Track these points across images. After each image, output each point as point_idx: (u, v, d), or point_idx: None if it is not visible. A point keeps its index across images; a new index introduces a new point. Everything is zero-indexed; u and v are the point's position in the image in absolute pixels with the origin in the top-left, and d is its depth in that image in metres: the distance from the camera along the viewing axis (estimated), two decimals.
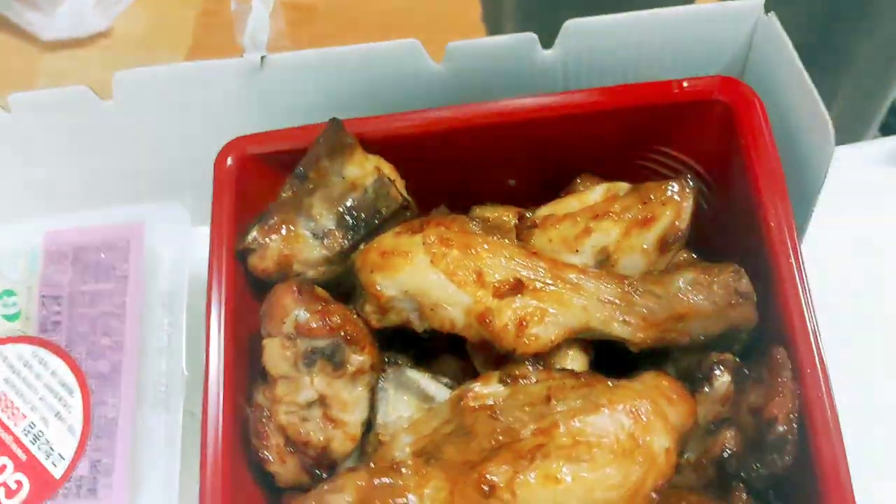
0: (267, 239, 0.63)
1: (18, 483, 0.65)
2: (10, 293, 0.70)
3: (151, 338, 0.68)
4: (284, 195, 0.64)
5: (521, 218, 0.65)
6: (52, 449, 0.65)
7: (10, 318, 0.70)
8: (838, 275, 0.74)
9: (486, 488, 0.52)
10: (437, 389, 0.62)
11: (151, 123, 0.74)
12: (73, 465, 0.64)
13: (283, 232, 0.63)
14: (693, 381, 0.59)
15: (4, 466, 0.65)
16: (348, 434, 0.60)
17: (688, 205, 0.61)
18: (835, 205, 0.67)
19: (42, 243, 0.72)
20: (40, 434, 0.66)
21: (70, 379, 0.67)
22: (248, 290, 0.65)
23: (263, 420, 0.59)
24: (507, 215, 0.70)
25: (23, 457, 0.65)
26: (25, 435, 0.66)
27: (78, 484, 0.64)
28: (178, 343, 0.67)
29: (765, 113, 0.63)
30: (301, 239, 0.63)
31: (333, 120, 0.64)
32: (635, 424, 0.52)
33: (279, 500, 0.61)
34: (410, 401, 0.61)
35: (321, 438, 0.59)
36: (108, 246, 0.71)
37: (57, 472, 0.64)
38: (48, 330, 0.69)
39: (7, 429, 0.66)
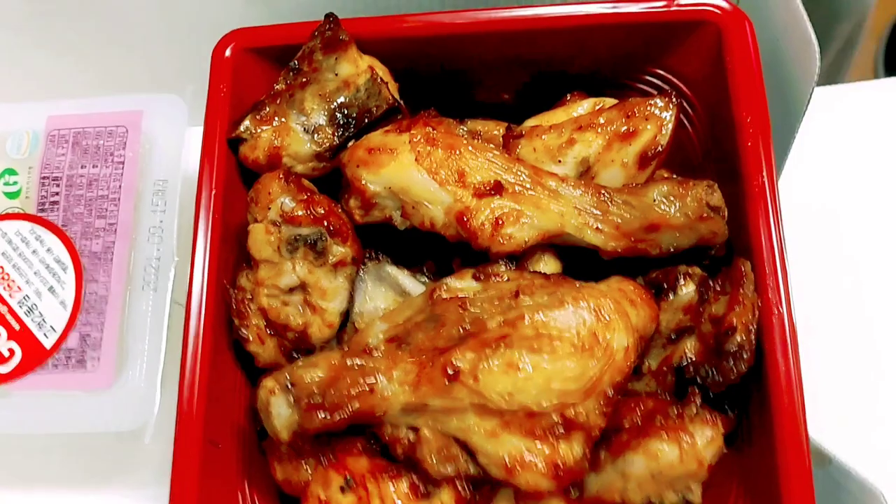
0: (259, 129, 0.64)
1: (11, 351, 0.68)
2: (11, 172, 0.72)
3: (144, 222, 0.70)
4: (278, 87, 0.65)
5: (508, 128, 0.67)
6: (44, 321, 0.68)
7: (10, 195, 0.72)
8: (811, 206, 0.75)
9: (451, 372, 0.55)
10: (414, 286, 0.64)
11: (154, 14, 0.75)
12: (63, 337, 0.67)
13: (275, 124, 0.65)
14: (659, 290, 0.61)
15: None
16: (326, 321, 0.62)
17: (669, 121, 0.62)
18: (816, 141, 0.68)
19: (44, 127, 0.73)
20: (34, 307, 0.68)
21: (65, 256, 0.69)
22: (237, 181, 0.67)
23: (245, 301, 0.62)
24: (497, 129, 0.72)
25: (16, 326, 0.68)
26: (20, 307, 0.69)
27: (67, 355, 0.67)
28: (170, 229, 0.69)
29: (754, 38, 0.64)
30: (292, 132, 0.65)
31: (330, 15, 0.64)
32: (597, 322, 0.54)
33: (257, 382, 0.64)
34: (388, 294, 0.64)
35: (300, 322, 0.62)
36: (108, 132, 0.72)
37: (48, 343, 0.67)
38: (46, 209, 0.71)
39: (2, 300, 0.69)
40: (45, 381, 0.67)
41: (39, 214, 0.71)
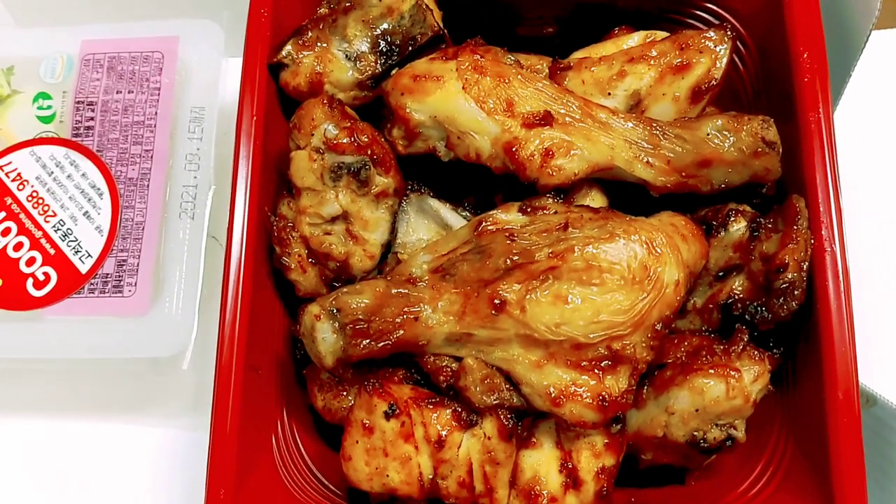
0: (301, 55, 0.63)
1: (46, 276, 0.67)
2: (45, 96, 0.71)
3: (180, 150, 0.69)
4: (321, 11, 0.64)
5: (555, 60, 0.65)
6: (80, 246, 0.68)
7: (44, 119, 0.71)
8: (867, 144, 0.74)
9: (497, 303, 0.54)
10: (456, 219, 0.63)
11: None
12: (99, 262, 0.67)
13: (317, 49, 0.63)
14: (709, 228, 0.60)
15: (34, 259, 0.68)
16: (368, 252, 0.62)
17: (724, 54, 0.60)
18: (875, 81, 0.66)
19: (79, 51, 0.72)
20: (69, 232, 0.68)
21: (100, 181, 0.68)
22: (277, 108, 0.66)
23: (287, 229, 0.61)
24: (540, 63, 0.70)
25: (51, 251, 0.68)
26: (55, 231, 0.68)
27: (104, 281, 0.67)
28: (207, 156, 0.69)
29: None
30: (334, 59, 0.63)
31: None
32: (648, 255, 0.54)
33: (296, 311, 0.64)
34: (430, 226, 0.63)
35: (342, 252, 0.61)
36: (143, 58, 0.71)
37: (83, 268, 0.67)
38: (80, 134, 0.70)
39: (37, 224, 0.68)
40: (81, 307, 0.67)
41: (74, 139, 0.70)
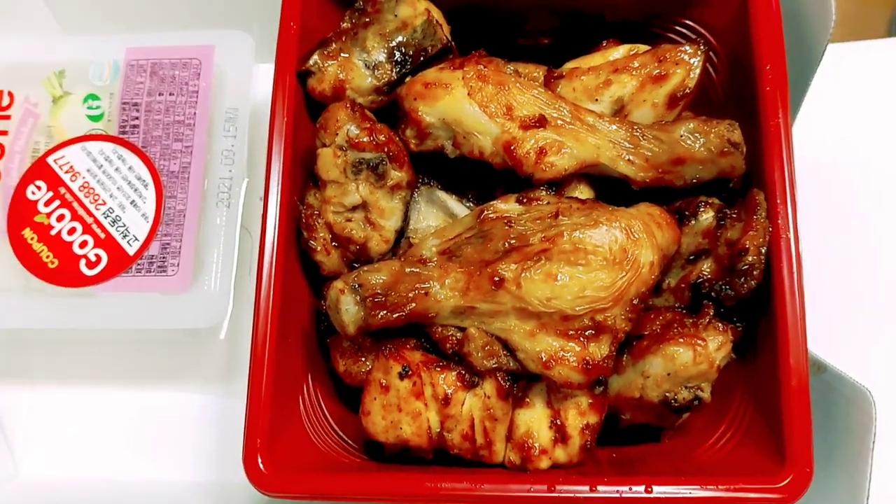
0: (326, 63, 0.72)
1: (98, 257, 0.76)
2: (94, 97, 0.80)
3: (217, 146, 0.78)
4: (344, 26, 0.72)
5: (549, 70, 0.74)
6: (128, 231, 0.76)
7: (94, 118, 0.80)
8: (821, 146, 0.82)
9: (496, 280, 0.63)
10: (461, 209, 0.72)
11: None
12: (145, 245, 0.76)
13: (340, 59, 0.72)
14: (682, 217, 0.68)
15: (86, 242, 0.76)
16: (384, 237, 0.70)
17: (697, 66, 0.69)
18: (830, 90, 0.74)
19: (124, 57, 0.81)
20: (118, 218, 0.77)
21: (145, 174, 0.77)
22: (304, 111, 0.74)
23: (314, 217, 0.70)
24: (537, 72, 0.78)
25: (102, 235, 0.76)
26: (105, 217, 0.77)
27: (150, 261, 0.76)
28: (241, 152, 0.77)
29: None
30: (355, 67, 0.72)
31: None
32: (627, 239, 0.62)
33: (321, 289, 0.72)
34: (438, 215, 0.72)
35: (361, 236, 0.70)
36: (182, 64, 0.80)
37: (131, 251, 0.76)
38: (127, 132, 0.79)
39: (89, 212, 0.77)
40: (129, 284, 0.76)
41: (121, 136, 0.79)
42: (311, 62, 0.72)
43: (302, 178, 0.72)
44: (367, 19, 0.72)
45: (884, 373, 0.77)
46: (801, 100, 0.74)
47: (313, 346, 0.73)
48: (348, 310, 0.64)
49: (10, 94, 0.81)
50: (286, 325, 0.69)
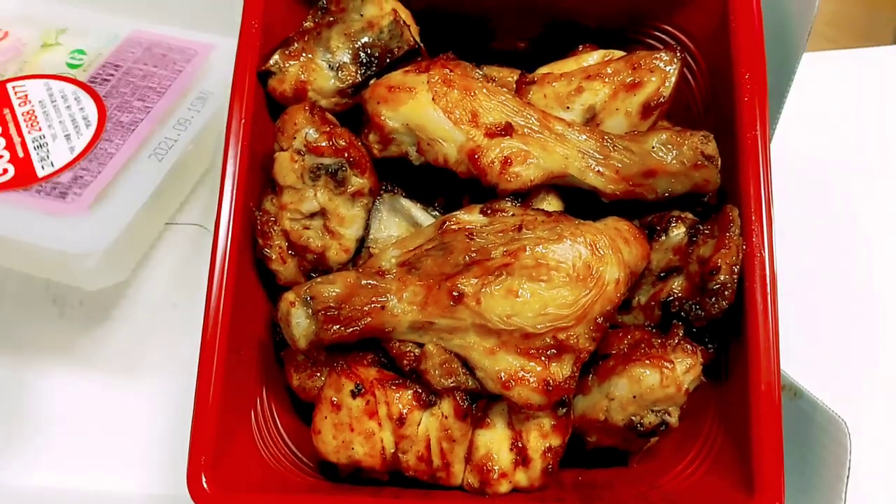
0: (287, 64, 0.69)
1: (5, 170, 0.75)
2: (81, 52, 0.81)
3: (177, 114, 0.76)
4: (307, 25, 0.70)
5: (521, 75, 0.71)
6: (48, 156, 0.75)
7: (72, 66, 0.80)
8: (800, 159, 0.79)
9: (455, 295, 0.60)
10: (425, 218, 0.69)
11: None
12: (58, 172, 0.74)
13: (303, 59, 0.69)
14: (652, 232, 0.65)
15: (2, 156, 0.75)
16: (343, 246, 0.67)
17: (673, 74, 0.66)
18: (808, 100, 0.71)
19: (128, 33, 0.82)
20: (45, 144, 0.75)
21: (93, 116, 0.76)
22: (265, 113, 0.71)
23: (270, 224, 0.67)
24: (511, 76, 0.76)
25: (21, 154, 0.75)
26: (33, 141, 0.76)
27: (54, 186, 0.74)
28: (196, 124, 0.76)
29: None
30: (318, 68, 0.69)
31: None
32: (592, 255, 0.59)
33: (277, 298, 0.70)
34: (401, 224, 0.69)
35: (319, 245, 0.67)
36: (180, 48, 0.80)
37: (41, 173, 0.74)
38: (96, 82, 0.79)
39: (21, 132, 0.76)
40: (22, 199, 0.74)
41: (88, 83, 0.78)
42: (271, 62, 0.69)
43: (261, 182, 0.70)
44: (332, 18, 0.69)
45: (861, 399, 0.74)
46: (779, 110, 0.71)
47: (270, 357, 0.70)
48: (299, 323, 0.61)
49: (6, 33, 0.83)
50: (239, 336, 0.66)
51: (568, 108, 0.67)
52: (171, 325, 0.83)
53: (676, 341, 0.61)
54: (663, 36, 0.74)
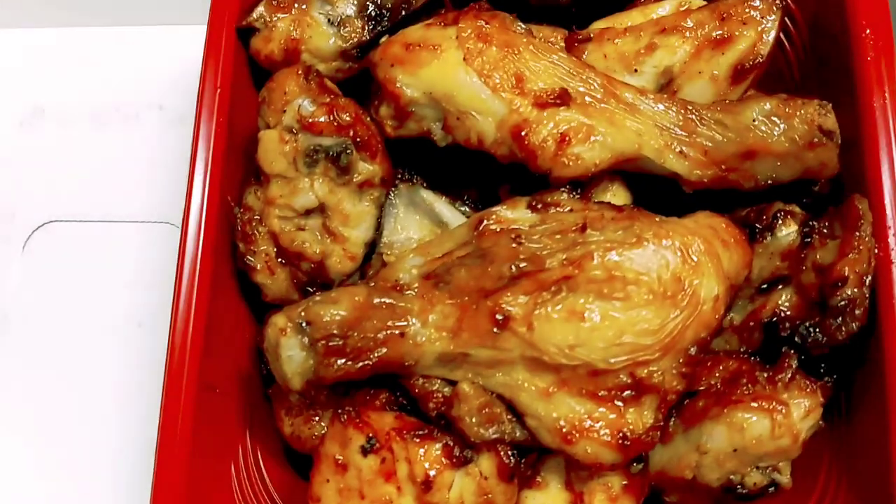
0: (274, 17, 0.54)
1: None
2: None
3: None
4: None
5: (572, 32, 0.56)
6: None
7: None
8: None
9: (499, 318, 0.45)
10: (453, 215, 0.55)
11: None
12: None
13: (294, 12, 0.54)
14: (752, 231, 0.51)
15: None
16: (348, 252, 0.53)
17: (772, 27, 0.52)
18: None
19: None
20: None
21: None
22: (248, 80, 0.57)
23: (253, 223, 0.52)
24: (554, 36, 0.61)
25: None
26: None
27: None
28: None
29: None
30: (314, 23, 0.55)
31: None
32: (683, 264, 0.45)
33: (264, 319, 0.55)
34: (422, 223, 0.54)
35: (317, 251, 0.52)
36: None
37: None
38: None
39: None
40: None
41: None
42: (255, 15, 0.55)
43: (242, 170, 0.55)
44: None
45: None
46: None
47: (254, 392, 0.56)
48: (292, 357, 0.46)
49: None
50: (213, 369, 0.52)
51: (636, 70, 0.53)
52: (134, 348, 0.67)
53: (790, 376, 0.47)
54: None
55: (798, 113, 0.49)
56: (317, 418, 0.52)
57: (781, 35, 0.59)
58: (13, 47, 0.78)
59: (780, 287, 0.50)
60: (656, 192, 0.53)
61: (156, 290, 0.69)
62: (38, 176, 0.74)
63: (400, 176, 0.55)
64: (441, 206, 0.55)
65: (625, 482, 0.48)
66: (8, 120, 0.76)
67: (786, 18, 0.58)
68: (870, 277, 0.47)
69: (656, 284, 0.45)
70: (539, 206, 0.49)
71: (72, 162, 0.74)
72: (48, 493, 0.66)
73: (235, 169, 0.55)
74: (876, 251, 0.48)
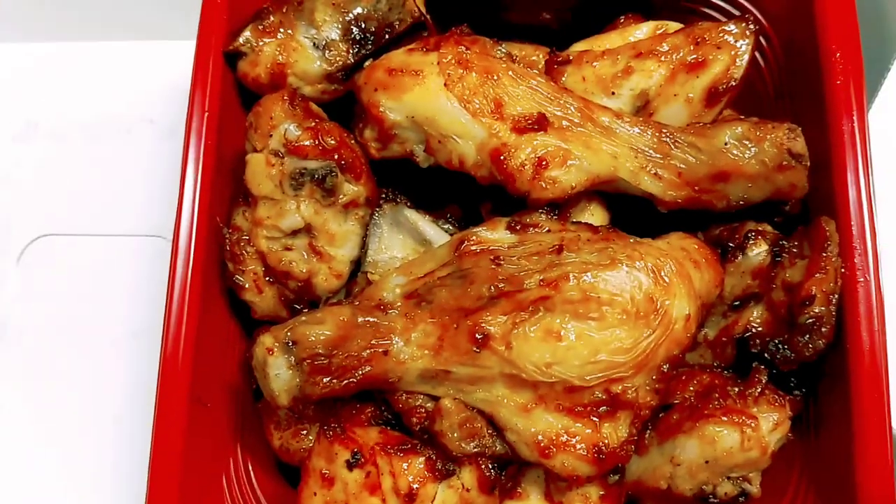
0: (261, 42, 0.55)
1: None
2: None
3: None
4: None
5: (552, 53, 0.57)
6: None
7: None
8: None
9: (479, 337, 0.47)
10: (437, 234, 0.56)
11: None
12: None
13: (280, 36, 0.55)
14: (724, 250, 0.52)
15: None
16: (334, 270, 0.54)
17: (745, 51, 0.53)
18: None
19: None
20: None
21: None
22: (235, 103, 0.58)
23: (242, 243, 0.54)
24: (536, 55, 0.62)
25: None
26: None
27: None
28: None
29: None
30: (299, 47, 0.56)
31: None
32: (655, 285, 0.46)
33: (253, 335, 0.56)
34: (405, 242, 0.55)
35: (304, 270, 0.53)
36: None
37: None
38: None
39: None
40: None
41: None
42: (241, 40, 0.56)
43: (230, 192, 0.56)
44: None
45: None
46: (875, 94, 0.58)
47: (245, 406, 0.58)
48: (279, 375, 0.48)
49: None
50: (204, 384, 0.53)
51: (613, 93, 0.54)
52: (129, 359, 0.69)
53: (759, 390, 0.49)
54: (724, 5, 0.61)
55: (768, 137, 0.50)
56: (305, 432, 0.53)
57: (757, 53, 0.60)
58: (5, 62, 0.79)
59: (751, 304, 0.52)
60: (634, 210, 0.55)
61: (150, 300, 0.70)
62: (32, 189, 0.75)
63: (384, 196, 0.56)
64: (424, 224, 0.56)
65: (602, 492, 0.50)
66: (1, 134, 0.77)
67: (761, 38, 0.60)
68: (836, 296, 0.49)
69: (629, 305, 0.46)
70: (518, 226, 0.50)
71: (65, 175, 0.75)
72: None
73: (224, 188, 0.56)
74: (842, 270, 0.49)
